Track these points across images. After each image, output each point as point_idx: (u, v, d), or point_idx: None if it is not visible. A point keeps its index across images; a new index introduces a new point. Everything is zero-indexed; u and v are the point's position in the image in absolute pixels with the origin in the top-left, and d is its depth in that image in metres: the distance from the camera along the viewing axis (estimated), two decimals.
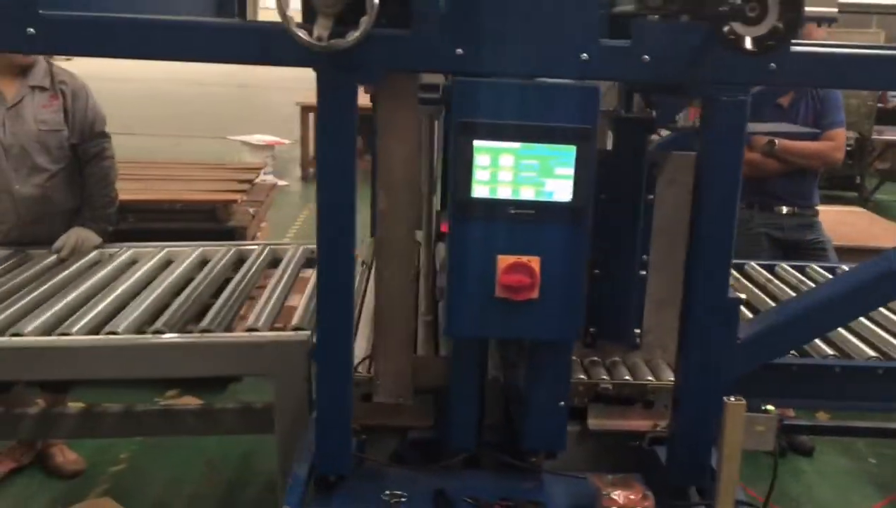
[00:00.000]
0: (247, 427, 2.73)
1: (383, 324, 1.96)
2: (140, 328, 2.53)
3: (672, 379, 2.16)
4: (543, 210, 1.74)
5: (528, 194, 1.73)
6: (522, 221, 1.74)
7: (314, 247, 3.26)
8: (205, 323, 2.51)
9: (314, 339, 2.36)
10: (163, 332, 2.45)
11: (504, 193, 1.73)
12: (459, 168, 1.71)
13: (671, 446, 1.96)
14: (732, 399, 1.77)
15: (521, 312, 1.77)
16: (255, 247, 3.40)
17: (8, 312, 2.63)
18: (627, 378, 2.19)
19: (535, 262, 1.74)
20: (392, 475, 2.02)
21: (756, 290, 2.95)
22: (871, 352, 2.35)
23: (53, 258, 3.24)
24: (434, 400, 2.12)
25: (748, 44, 1.51)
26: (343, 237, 1.79)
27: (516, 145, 1.71)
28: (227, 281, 3.01)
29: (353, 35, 1.61)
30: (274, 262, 3.29)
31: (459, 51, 1.70)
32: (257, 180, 5.44)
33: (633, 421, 2.15)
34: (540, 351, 1.91)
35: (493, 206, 1.73)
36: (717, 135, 1.75)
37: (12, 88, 3.30)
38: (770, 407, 1.83)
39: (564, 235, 1.75)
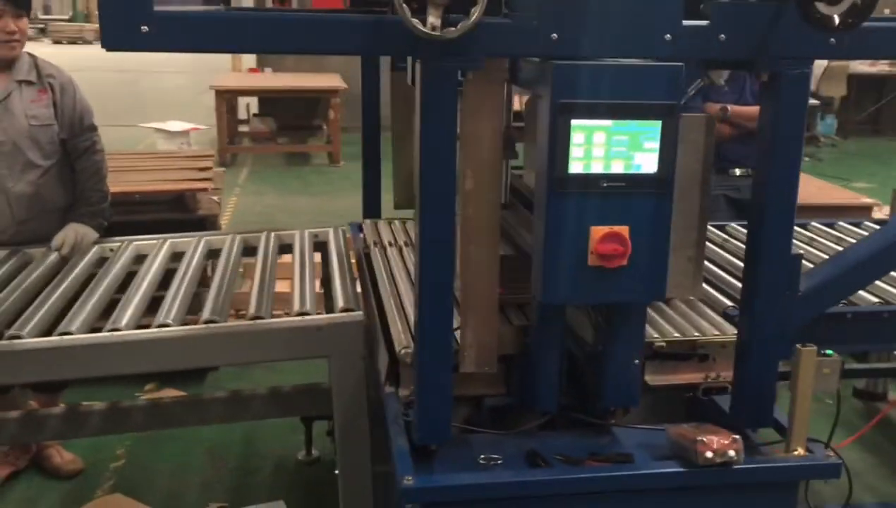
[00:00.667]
0: (292, 410, 2.78)
1: (470, 298, 2.05)
2: (183, 320, 2.55)
3: (716, 332, 2.35)
4: (632, 182, 1.86)
5: (618, 168, 1.86)
6: (613, 193, 1.86)
7: (288, 232, 3.34)
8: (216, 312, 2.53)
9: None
10: (215, 321, 2.48)
11: (597, 168, 1.85)
12: (558, 146, 1.82)
13: (737, 394, 2.13)
14: (802, 346, 1.96)
15: (612, 278, 1.89)
16: (227, 236, 3.37)
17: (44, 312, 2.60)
18: (677, 335, 2.35)
19: (625, 231, 1.88)
20: (479, 440, 2.12)
21: (714, 248, 3.18)
22: None
23: (55, 256, 3.18)
24: (506, 367, 2.24)
25: (836, 21, 1.67)
26: (446, 216, 1.88)
27: (608, 123, 1.83)
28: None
29: (466, 23, 1.70)
30: (248, 251, 3.31)
31: (554, 36, 1.80)
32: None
33: (688, 374, 2.32)
34: (620, 314, 2.05)
35: (587, 181, 1.85)
36: (784, 106, 1.92)
37: None
38: (831, 352, 2.02)
39: (651, 204, 1.88)
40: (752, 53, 1.88)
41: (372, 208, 3.71)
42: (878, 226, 3.39)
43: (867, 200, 4.84)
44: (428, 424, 2.01)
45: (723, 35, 1.86)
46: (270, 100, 10.66)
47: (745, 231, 3.34)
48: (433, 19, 1.70)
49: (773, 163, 1.97)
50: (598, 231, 1.87)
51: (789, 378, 2.03)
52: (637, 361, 2.10)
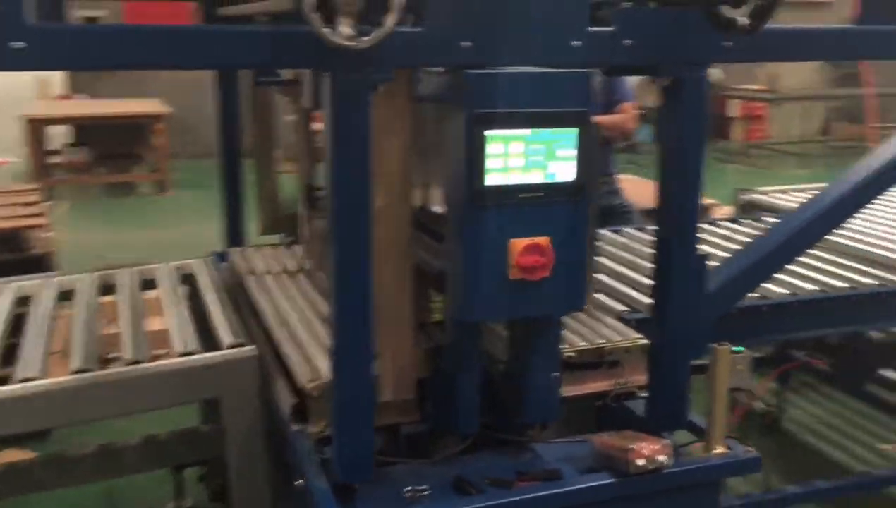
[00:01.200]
0: (170, 459, 2.55)
1: (385, 322, 1.95)
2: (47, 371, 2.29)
3: (619, 338, 2.36)
4: (551, 191, 1.83)
5: (536, 178, 1.82)
6: (532, 204, 1.82)
7: (148, 267, 3.11)
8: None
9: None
10: (88, 370, 2.23)
11: (515, 179, 1.80)
12: (474, 158, 1.76)
13: (652, 397, 2.14)
14: (718, 345, 1.99)
15: (534, 291, 1.85)
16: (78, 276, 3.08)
17: None
18: (584, 344, 2.33)
19: (546, 242, 1.83)
20: (400, 472, 2.02)
21: None
22: (811, 286, 2.75)
23: None
24: (418, 392, 2.14)
25: (742, 23, 1.70)
26: (361, 242, 1.77)
27: (526, 132, 1.79)
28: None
29: (381, 32, 1.60)
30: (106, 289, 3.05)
31: (467, 44, 1.74)
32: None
33: (597, 382, 2.30)
34: (537, 327, 2.00)
35: (505, 192, 1.80)
36: (687, 109, 1.94)
37: None
38: (740, 348, 2.06)
39: (570, 212, 1.85)
40: (656, 58, 1.89)
41: (235, 236, 3.51)
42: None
43: (707, 200, 5.10)
44: (350, 460, 1.89)
45: (628, 40, 1.86)
46: (87, 129, 10.02)
47: (611, 235, 3.51)
48: (346, 29, 1.59)
49: (677, 167, 1.99)
50: (518, 243, 1.82)
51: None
52: (556, 374, 2.06)
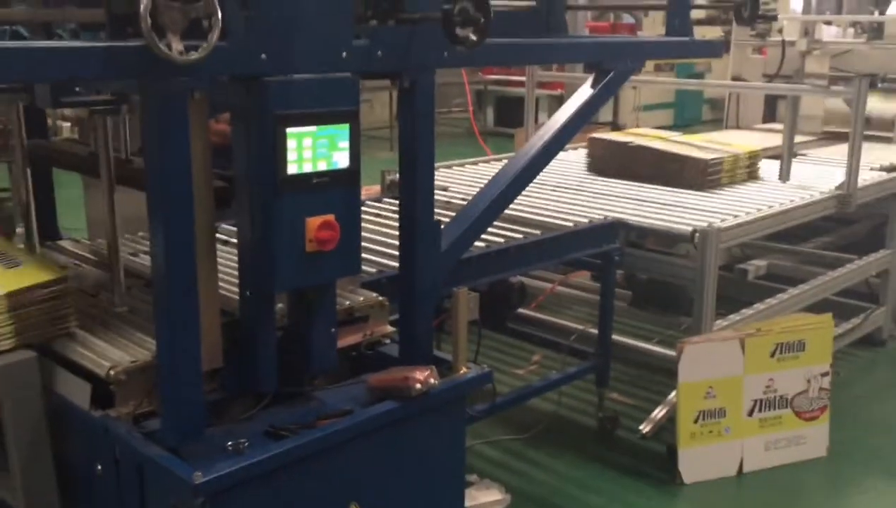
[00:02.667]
0: None
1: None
2: None
3: (361, 297, 2.81)
4: (333, 177, 2.23)
5: (322, 166, 2.20)
6: (321, 188, 2.21)
7: None
8: None
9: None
10: None
11: (307, 168, 2.17)
12: (277, 152, 2.10)
13: (404, 340, 2.63)
14: (458, 289, 2.54)
15: (325, 260, 2.24)
16: None
17: None
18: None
19: (332, 219, 2.23)
20: (211, 434, 2.26)
21: None
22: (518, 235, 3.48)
23: None
24: None
25: (471, 39, 2.24)
26: (187, 229, 2.02)
27: (313, 128, 2.17)
28: None
29: (208, 46, 1.87)
30: None
31: (263, 56, 2.06)
32: None
33: (350, 336, 2.73)
34: (320, 291, 2.38)
35: (301, 180, 2.17)
36: (420, 105, 2.45)
37: None
38: (464, 289, 2.63)
39: (348, 193, 2.27)
40: (400, 66, 2.37)
41: None
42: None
43: None
44: (183, 425, 2.13)
45: (379, 52, 2.31)
46: None
47: None
48: (177, 45, 1.84)
49: (415, 153, 2.49)
50: (314, 221, 2.19)
51: None
52: (333, 330, 2.46)
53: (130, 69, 1.86)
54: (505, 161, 5.52)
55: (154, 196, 2.01)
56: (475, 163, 5.66)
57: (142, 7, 1.77)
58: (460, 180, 5.11)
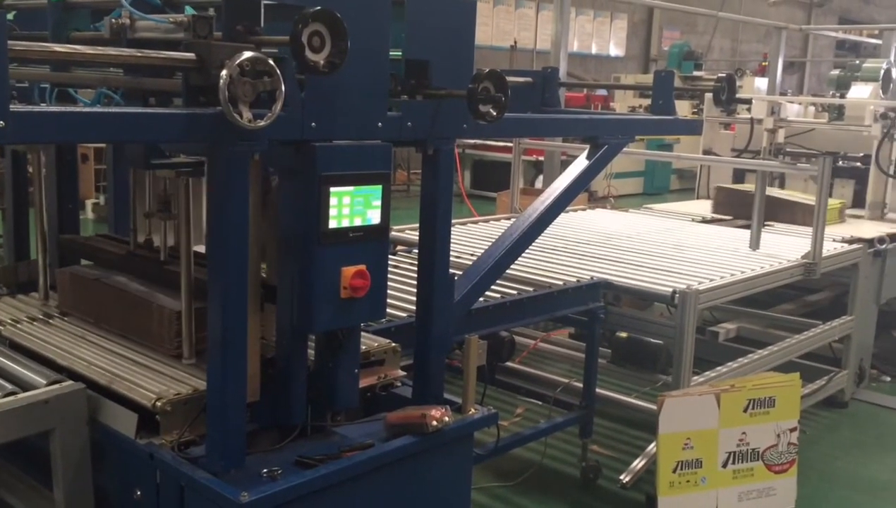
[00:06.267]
0: None
1: None
2: None
3: (375, 343, 3.06)
4: (366, 231, 2.50)
5: (358, 221, 2.48)
6: (355, 241, 2.48)
7: None
8: None
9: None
10: None
11: (345, 223, 2.45)
12: (321, 208, 2.37)
13: (419, 382, 2.88)
14: (469, 336, 2.81)
15: (357, 305, 2.50)
16: None
17: None
18: None
19: (364, 268, 2.50)
20: (247, 461, 2.49)
21: None
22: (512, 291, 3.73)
23: None
24: None
25: (493, 114, 2.55)
26: (242, 279, 2.28)
27: (351, 188, 2.45)
28: None
29: (273, 115, 2.16)
30: None
31: (313, 124, 2.35)
32: None
33: (365, 379, 2.97)
34: (347, 333, 2.63)
35: (340, 233, 2.44)
36: (442, 170, 2.74)
37: None
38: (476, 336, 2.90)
39: (379, 246, 2.54)
40: (426, 135, 2.67)
41: None
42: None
43: None
44: (227, 453, 2.35)
45: (409, 123, 2.61)
46: None
47: None
48: (247, 113, 2.12)
49: (436, 212, 2.78)
50: (349, 270, 2.46)
51: None
52: (357, 370, 2.71)
53: (207, 133, 2.13)
54: (492, 222, 5.95)
55: (215, 249, 2.26)
56: (464, 224, 5.97)
57: (221, 81, 2.05)
58: (455, 239, 5.41)
